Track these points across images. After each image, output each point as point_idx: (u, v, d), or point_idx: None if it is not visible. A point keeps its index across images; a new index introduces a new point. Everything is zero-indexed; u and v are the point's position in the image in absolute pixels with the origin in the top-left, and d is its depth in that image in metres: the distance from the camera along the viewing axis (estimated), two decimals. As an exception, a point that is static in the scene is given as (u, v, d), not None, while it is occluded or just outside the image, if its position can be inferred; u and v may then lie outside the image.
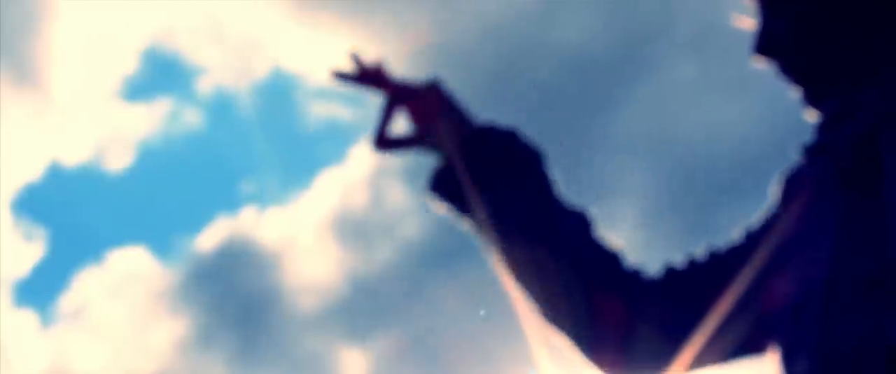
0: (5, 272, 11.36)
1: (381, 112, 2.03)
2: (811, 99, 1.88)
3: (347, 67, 2.05)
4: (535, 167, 2.05)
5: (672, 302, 1.98)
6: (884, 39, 1.83)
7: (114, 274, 11.71)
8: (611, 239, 2.05)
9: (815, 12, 1.85)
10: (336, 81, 2.06)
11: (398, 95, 2.04)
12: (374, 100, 2.04)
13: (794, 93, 1.89)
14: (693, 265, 2.00)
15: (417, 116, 2.04)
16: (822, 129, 1.87)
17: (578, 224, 2.03)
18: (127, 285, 11.68)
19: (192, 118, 12.35)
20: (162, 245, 13.19)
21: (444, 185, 2.04)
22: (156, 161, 12.29)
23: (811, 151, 1.89)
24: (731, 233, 2.00)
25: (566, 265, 2.00)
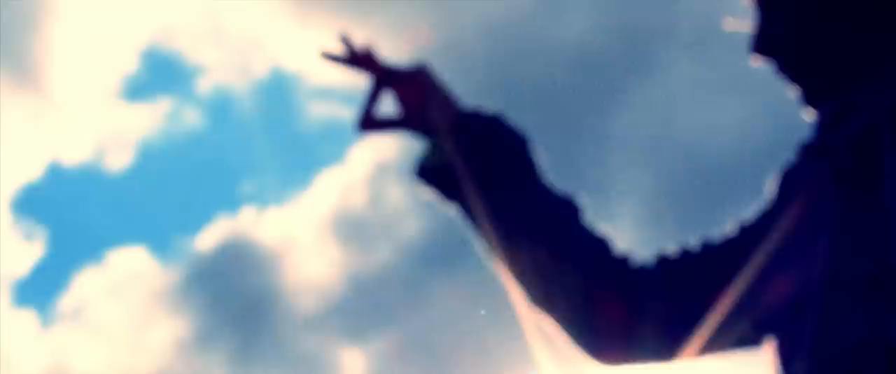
0: (5, 272, 11.37)
1: (368, 94, 2.04)
2: (810, 98, 1.88)
3: (337, 48, 2.07)
4: (521, 152, 2.05)
5: (669, 295, 1.98)
6: (882, 39, 1.83)
7: (113, 274, 11.71)
8: (599, 225, 2.05)
9: (813, 11, 1.85)
10: (325, 61, 2.07)
11: (386, 77, 2.05)
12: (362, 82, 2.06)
13: (792, 92, 1.89)
14: (687, 255, 2.00)
15: (404, 99, 2.05)
16: (821, 128, 1.87)
17: (567, 211, 2.04)
18: (127, 285, 11.68)
19: (192, 118, 12.36)
20: (162, 245, 13.19)
21: (431, 170, 2.05)
22: (155, 161, 12.29)
23: (809, 151, 1.89)
24: (726, 226, 2.00)
25: (558, 252, 2.00)
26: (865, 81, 1.82)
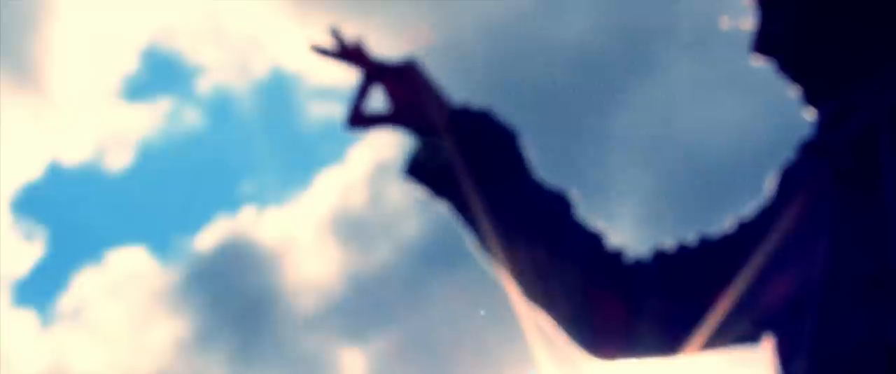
0: (5, 272, 11.37)
1: (357, 89, 2.04)
2: (810, 97, 1.88)
3: (327, 42, 2.06)
4: (512, 147, 2.05)
5: (666, 290, 1.98)
6: (883, 38, 1.83)
7: (113, 274, 11.72)
8: (592, 220, 2.05)
9: (814, 10, 1.85)
10: (315, 55, 2.07)
11: (375, 72, 2.04)
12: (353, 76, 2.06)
13: (793, 91, 1.89)
14: (684, 251, 2.00)
15: (394, 95, 2.04)
16: (822, 127, 1.87)
17: (560, 207, 2.03)
18: (126, 285, 11.68)
19: (192, 118, 12.36)
20: (161, 245, 13.21)
21: (422, 168, 2.04)
22: (155, 161, 12.30)
23: (810, 149, 1.89)
24: (724, 224, 2.00)
25: (555, 248, 2.00)
26: (866, 80, 1.82)
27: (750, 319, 1.90)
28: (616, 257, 2.02)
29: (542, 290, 2.00)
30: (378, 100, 2.06)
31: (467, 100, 2.08)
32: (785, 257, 1.86)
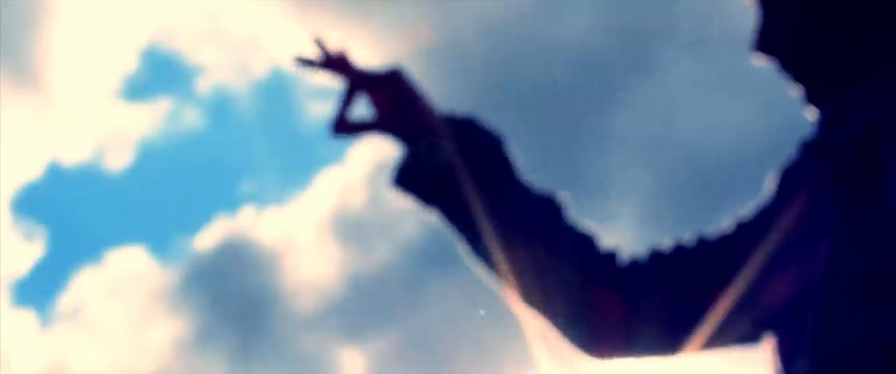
0: (5, 272, 11.37)
1: (341, 97, 2.04)
2: (811, 97, 1.88)
3: (311, 52, 2.06)
4: (498, 153, 2.04)
5: (663, 290, 1.98)
6: (884, 38, 1.83)
7: (113, 274, 11.72)
8: (583, 222, 2.05)
9: (815, 10, 1.85)
10: (298, 65, 2.06)
11: (360, 81, 2.04)
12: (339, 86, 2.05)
13: (794, 91, 1.89)
14: (681, 251, 2.00)
15: (378, 103, 2.04)
16: (823, 127, 1.86)
17: (552, 209, 2.03)
18: (126, 285, 11.68)
19: (192, 118, 12.36)
20: (161, 245, 13.20)
21: (408, 176, 2.04)
22: (155, 161, 12.30)
23: (811, 149, 1.89)
24: (723, 223, 2.00)
25: (554, 249, 1.99)
26: (867, 80, 1.82)
27: (750, 319, 1.90)
28: (610, 257, 2.02)
29: (541, 288, 2.00)
30: (363, 107, 2.06)
31: (455, 106, 2.07)
32: (786, 256, 1.86)
